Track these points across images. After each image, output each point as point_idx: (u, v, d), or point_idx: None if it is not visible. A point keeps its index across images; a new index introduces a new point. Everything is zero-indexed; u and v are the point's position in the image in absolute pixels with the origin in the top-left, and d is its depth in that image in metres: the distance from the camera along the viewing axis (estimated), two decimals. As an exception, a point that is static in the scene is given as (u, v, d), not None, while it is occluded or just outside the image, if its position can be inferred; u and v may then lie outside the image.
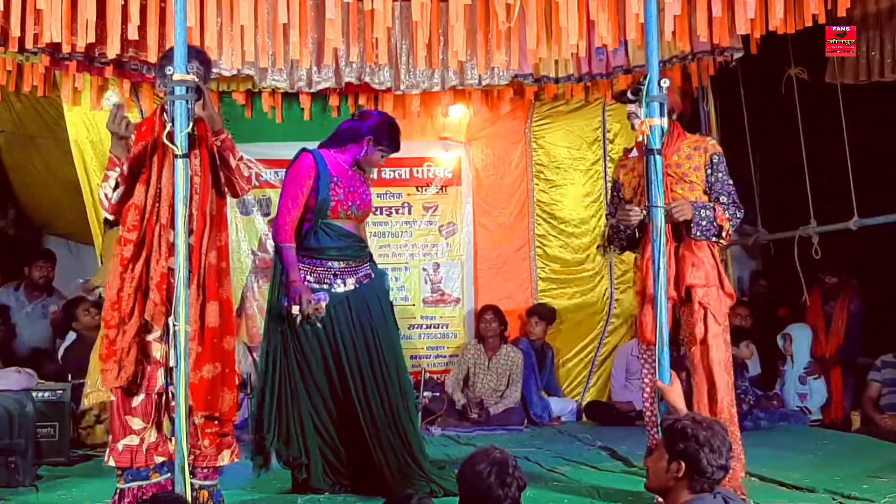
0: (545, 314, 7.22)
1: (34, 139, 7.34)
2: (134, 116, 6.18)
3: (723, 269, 4.07)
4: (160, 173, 3.75)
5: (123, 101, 3.72)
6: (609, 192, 7.23)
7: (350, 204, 4.51)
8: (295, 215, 4.46)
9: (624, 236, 4.19)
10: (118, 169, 3.71)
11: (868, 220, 6.30)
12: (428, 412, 6.68)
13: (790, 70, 6.74)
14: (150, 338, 3.75)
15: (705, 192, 4.11)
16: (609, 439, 5.89)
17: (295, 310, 4.27)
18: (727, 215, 4.00)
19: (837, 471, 4.81)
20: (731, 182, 4.12)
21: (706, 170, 4.09)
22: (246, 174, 3.92)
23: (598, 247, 4.50)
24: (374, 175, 7.18)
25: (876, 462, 5.08)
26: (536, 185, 7.48)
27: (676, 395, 3.66)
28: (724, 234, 3.99)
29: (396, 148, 4.66)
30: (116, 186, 3.72)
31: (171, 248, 3.68)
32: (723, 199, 4.07)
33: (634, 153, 4.23)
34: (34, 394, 5.20)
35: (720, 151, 4.14)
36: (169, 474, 3.80)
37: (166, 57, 3.77)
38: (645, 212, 3.90)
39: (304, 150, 4.57)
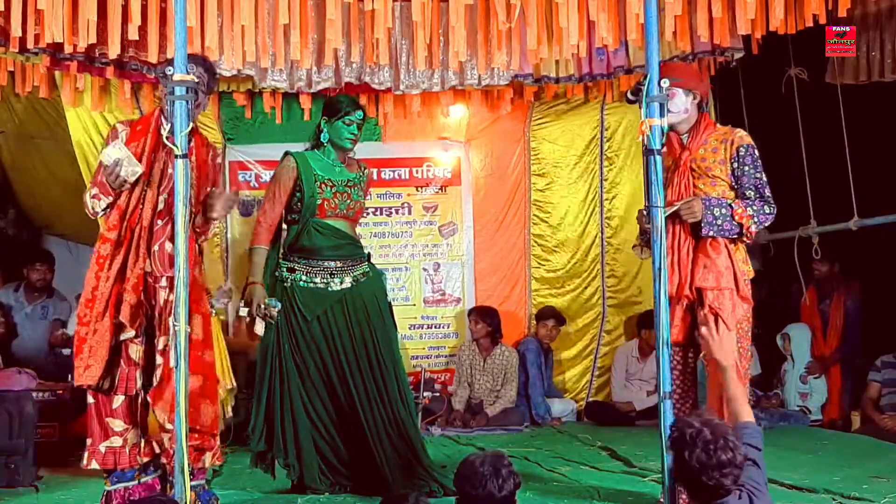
0: (561, 317, 7.23)
1: (34, 139, 7.33)
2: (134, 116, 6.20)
3: (740, 273, 3.90)
4: (147, 175, 3.77)
5: (124, 156, 3.72)
6: (603, 191, 7.34)
7: (338, 202, 4.51)
8: (271, 218, 4.51)
9: (646, 238, 4.14)
10: (111, 198, 3.76)
11: (868, 220, 6.31)
12: (428, 412, 6.68)
13: (790, 70, 6.74)
14: (124, 338, 3.75)
15: (732, 188, 3.96)
16: (609, 439, 5.89)
17: (244, 311, 4.31)
18: (749, 212, 3.83)
19: (837, 471, 4.82)
20: (759, 176, 3.92)
21: (732, 163, 3.92)
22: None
23: (633, 247, 4.41)
24: (374, 175, 7.20)
25: (876, 462, 5.08)
26: (534, 184, 7.48)
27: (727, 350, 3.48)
28: (745, 231, 3.84)
29: (350, 107, 4.56)
30: (107, 208, 3.79)
31: (148, 251, 3.71)
32: (749, 193, 3.91)
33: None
34: (34, 394, 5.20)
35: (748, 143, 3.95)
36: (154, 474, 3.81)
37: (171, 62, 3.80)
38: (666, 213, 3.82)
39: (287, 152, 4.61)
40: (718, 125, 4.10)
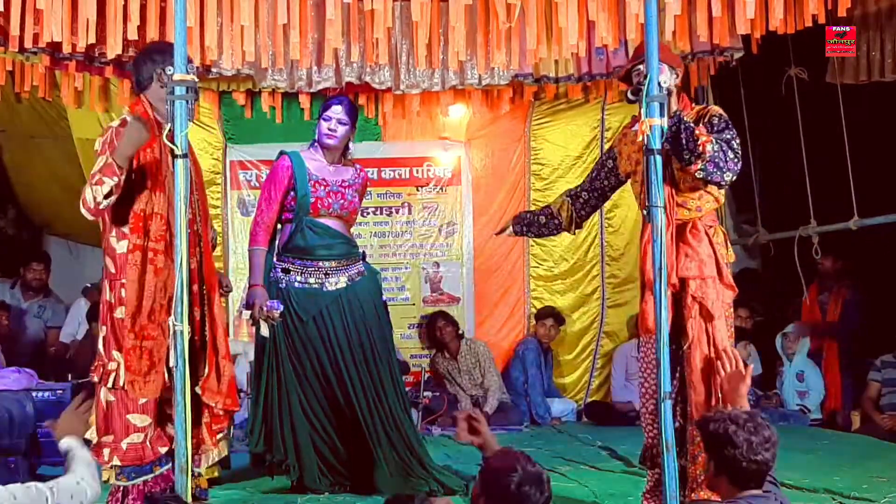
0: (560, 317, 7.24)
1: (34, 139, 7.34)
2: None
3: (722, 259, 3.82)
4: (164, 179, 3.79)
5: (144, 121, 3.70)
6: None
7: (331, 202, 4.52)
8: (268, 218, 4.52)
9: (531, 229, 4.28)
10: (116, 178, 3.56)
11: (868, 220, 6.31)
12: (428, 412, 6.68)
13: (790, 70, 6.74)
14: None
15: None
16: (609, 439, 5.89)
17: (246, 314, 4.32)
18: (712, 140, 3.59)
19: (837, 471, 4.82)
20: (731, 139, 3.69)
21: (705, 129, 3.73)
22: None
23: (497, 233, 4.57)
24: (374, 175, 7.20)
25: (876, 462, 5.09)
26: (534, 184, 7.48)
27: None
28: (702, 151, 3.54)
29: (330, 102, 4.59)
30: (110, 195, 3.59)
31: (193, 249, 3.74)
32: None
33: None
34: (34, 394, 5.20)
35: (720, 113, 3.83)
36: (168, 465, 3.82)
37: (152, 54, 3.83)
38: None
39: (282, 151, 4.62)
40: (694, 105, 4.04)
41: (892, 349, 6.43)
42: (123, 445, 3.75)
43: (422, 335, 7.33)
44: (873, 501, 4.13)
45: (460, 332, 7.07)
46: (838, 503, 4.19)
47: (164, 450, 3.80)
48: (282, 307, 4.34)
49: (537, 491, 2.62)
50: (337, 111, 4.55)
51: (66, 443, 3.01)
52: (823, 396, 6.96)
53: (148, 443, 3.78)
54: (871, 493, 4.25)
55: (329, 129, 4.54)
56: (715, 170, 3.62)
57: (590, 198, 4.27)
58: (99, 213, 3.71)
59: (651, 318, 3.70)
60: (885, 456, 5.28)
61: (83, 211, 3.66)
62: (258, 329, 4.38)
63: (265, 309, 4.29)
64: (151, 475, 3.80)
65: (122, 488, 3.80)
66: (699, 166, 3.60)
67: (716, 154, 3.60)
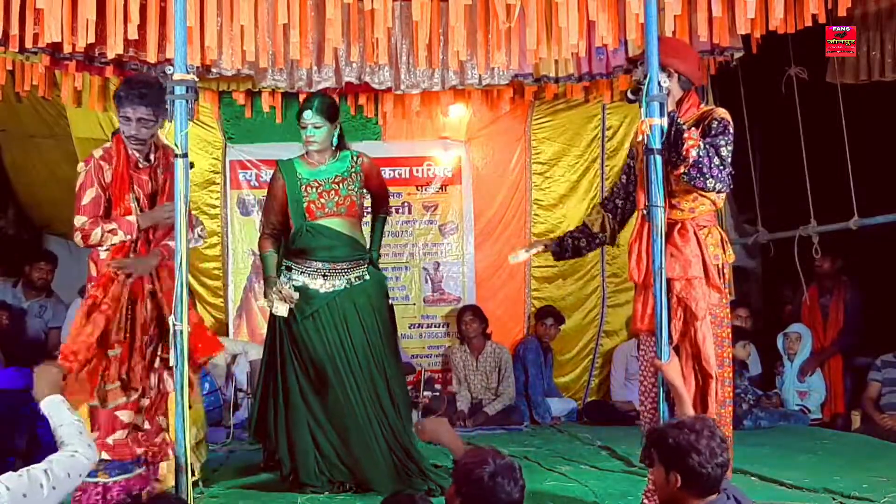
0: (560, 316, 7.23)
1: (34, 139, 7.34)
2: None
3: (710, 261, 3.69)
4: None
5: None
6: (604, 191, 7.30)
7: (325, 201, 4.54)
8: (269, 228, 4.67)
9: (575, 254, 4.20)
10: (130, 237, 3.95)
11: (868, 219, 6.31)
12: (428, 412, 6.68)
13: (790, 70, 6.74)
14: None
15: None
16: (609, 439, 5.89)
17: (262, 302, 4.42)
18: (699, 145, 3.50)
19: (837, 471, 4.82)
20: (723, 144, 3.57)
21: (702, 132, 3.64)
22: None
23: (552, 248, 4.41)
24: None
25: (876, 462, 5.09)
26: (535, 183, 7.48)
27: (675, 373, 3.48)
28: (685, 155, 3.47)
29: (302, 109, 4.64)
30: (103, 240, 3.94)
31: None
32: None
33: None
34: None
35: (721, 117, 3.69)
36: (143, 468, 3.87)
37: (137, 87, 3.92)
38: None
39: (277, 162, 4.73)
40: (703, 105, 3.95)
41: (893, 349, 6.43)
42: (110, 441, 3.78)
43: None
44: (873, 501, 4.13)
45: (488, 331, 7.05)
46: (838, 503, 4.19)
47: (140, 451, 3.85)
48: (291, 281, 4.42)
49: (510, 480, 2.65)
50: (307, 118, 4.59)
51: (47, 404, 2.79)
52: (825, 397, 6.95)
53: (129, 441, 3.82)
54: (871, 493, 4.25)
55: (307, 137, 4.60)
56: (698, 175, 3.55)
57: (625, 203, 4.10)
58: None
59: (639, 316, 3.71)
60: (885, 456, 5.28)
61: (77, 238, 3.97)
62: (272, 308, 4.44)
63: (280, 290, 4.37)
64: (132, 474, 3.84)
65: (101, 485, 3.80)
66: (682, 170, 3.55)
67: (700, 160, 3.53)
